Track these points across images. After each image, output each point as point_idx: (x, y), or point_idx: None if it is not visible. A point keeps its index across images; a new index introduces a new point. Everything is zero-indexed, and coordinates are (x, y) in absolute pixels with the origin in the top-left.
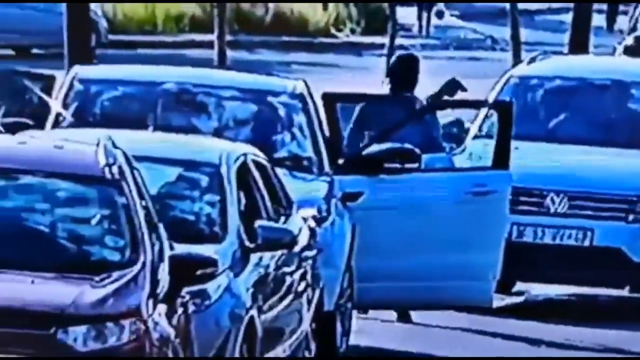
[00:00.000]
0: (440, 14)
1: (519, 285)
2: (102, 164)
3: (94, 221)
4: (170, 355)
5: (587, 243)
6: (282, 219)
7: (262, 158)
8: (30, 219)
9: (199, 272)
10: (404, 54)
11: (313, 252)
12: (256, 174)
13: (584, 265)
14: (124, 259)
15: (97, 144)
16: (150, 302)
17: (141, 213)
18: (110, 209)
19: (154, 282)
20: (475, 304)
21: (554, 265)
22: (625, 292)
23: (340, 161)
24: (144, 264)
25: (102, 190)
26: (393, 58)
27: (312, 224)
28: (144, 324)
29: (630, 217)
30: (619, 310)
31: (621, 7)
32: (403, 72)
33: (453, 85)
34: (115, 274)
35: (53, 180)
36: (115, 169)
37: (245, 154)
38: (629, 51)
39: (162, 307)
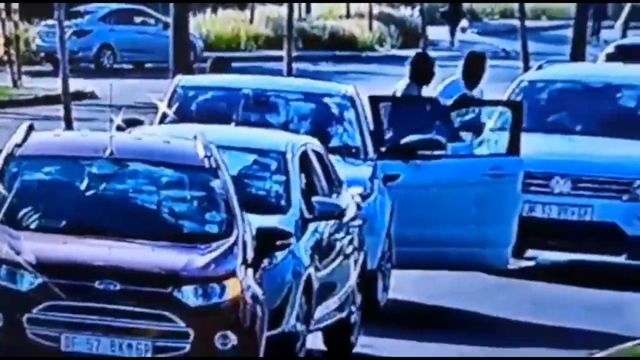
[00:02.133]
0: (464, 30)
1: (530, 252)
2: (202, 156)
3: (198, 202)
4: (259, 311)
5: (587, 218)
6: (334, 195)
7: (319, 147)
8: (148, 200)
9: (278, 243)
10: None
11: (359, 222)
12: (314, 159)
13: (585, 236)
14: (222, 231)
15: (195, 139)
16: (243, 267)
17: (234, 195)
18: (209, 192)
19: (245, 251)
20: (493, 267)
21: (559, 235)
22: (622, 259)
23: (382, 149)
24: (237, 236)
25: (203, 176)
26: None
27: (359, 199)
28: (240, 285)
29: (625, 196)
30: (615, 275)
31: (605, 23)
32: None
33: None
34: (215, 244)
35: (163, 168)
36: (212, 160)
37: (306, 144)
38: (610, 58)
39: (250, 271)
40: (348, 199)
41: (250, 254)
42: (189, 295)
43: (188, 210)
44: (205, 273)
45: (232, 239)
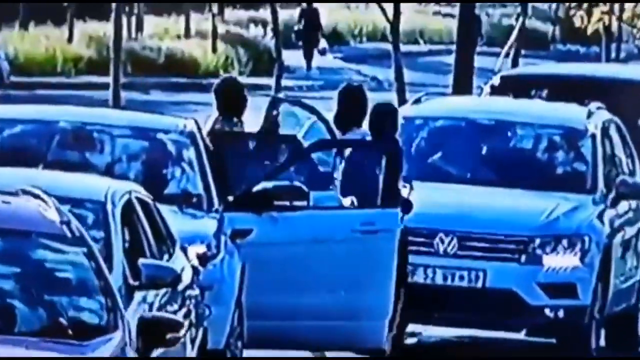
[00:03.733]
0: (322, 52)
1: (411, 327)
2: (57, 222)
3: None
4: None
5: (479, 284)
6: (166, 256)
7: (145, 195)
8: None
9: (168, 336)
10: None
11: (196, 292)
12: (140, 211)
13: (478, 308)
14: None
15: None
16: None
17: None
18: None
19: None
20: (367, 345)
21: (446, 306)
22: (521, 335)
23: (230, 198)
24: (123, 331)
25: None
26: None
27: (196, 262)
28: None
29: (523, 258)
30: (515, 354)
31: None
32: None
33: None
34: (95, 342)
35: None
36: (74, 227)
37: (130, 192)
38: (495, 90)
39: None
40: (182, 261)
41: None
42: None
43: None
44: None
45: (117, 335)
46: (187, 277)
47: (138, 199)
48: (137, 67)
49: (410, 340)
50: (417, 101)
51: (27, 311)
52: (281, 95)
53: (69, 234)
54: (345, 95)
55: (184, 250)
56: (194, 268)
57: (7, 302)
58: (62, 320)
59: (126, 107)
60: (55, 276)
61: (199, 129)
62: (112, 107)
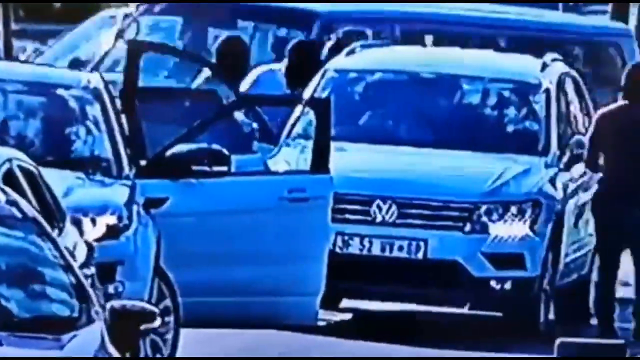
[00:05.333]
0: None
1: (346, 302)
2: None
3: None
4: None
5: (420, 255)
6: (55, 232)
7: (29, 164)
8: None
9: (143, 327)
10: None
11: (92, 270)
12: (24, 182)
13: (418, 280)
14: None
15: None
16: None
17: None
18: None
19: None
20: (298, 321)
21: (384, 279)
22: (465, 310)
23: (143, 162)
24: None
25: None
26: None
27: (90, 238)
28: None
29: (467, 226)
30: (459, 329)
31: None
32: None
33: None
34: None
35: None
36: (26, 208)
37: (10, 160)
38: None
39: None
40: (74, 237)
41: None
42: None
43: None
44: None
45: (94, 329)
46: (80, 255)
47: (20, 167)
48: (30, 13)
49: (343, 316)
50: (352, 52)
51: None
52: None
53: (18, 215)
54: (297, 51)
55: (78, 224)
56: (89, 244)
57: None
58: (30, 313)
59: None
60: (12, 264)
61: (106, 84)
62: (4, 58)
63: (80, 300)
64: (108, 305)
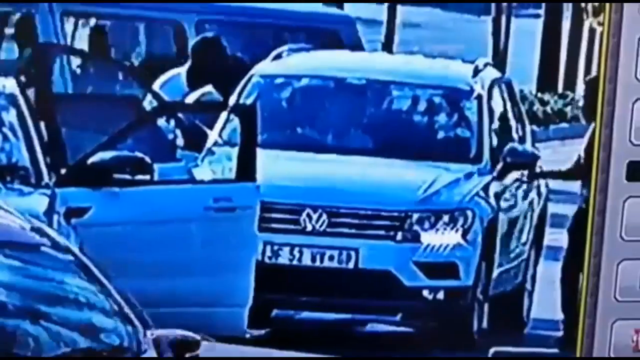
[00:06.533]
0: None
1: (276, 312)
2: None
3: None
4: None
5: (351, 265)
6: None
7: None
8: None
9: (187, 355)
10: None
11: None
12: None
13: (349, 290)
14: None
15: None
16: None
17: None
18: None
19: None
20: (226, 333)
21: (315, 289)
22: (396, 319)
23: (63, 171)
24: None
25: None
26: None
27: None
28: None
29: (399, 235)
30: (391, 339)
31: None
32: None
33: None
34: None
35: None
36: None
37: None
38: None
39: None
40: None
41: None
42: None
43: None
44: None
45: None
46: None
47: None
48: None
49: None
50: (278, 57)
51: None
52: None
53: (47, 242)
54: (200, 49)
55: None
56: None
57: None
58: (86, 342)
59: None
60: (48, 290)
61: (23, 89)
62: None
63: (125, 324)
64: (149, 334)
